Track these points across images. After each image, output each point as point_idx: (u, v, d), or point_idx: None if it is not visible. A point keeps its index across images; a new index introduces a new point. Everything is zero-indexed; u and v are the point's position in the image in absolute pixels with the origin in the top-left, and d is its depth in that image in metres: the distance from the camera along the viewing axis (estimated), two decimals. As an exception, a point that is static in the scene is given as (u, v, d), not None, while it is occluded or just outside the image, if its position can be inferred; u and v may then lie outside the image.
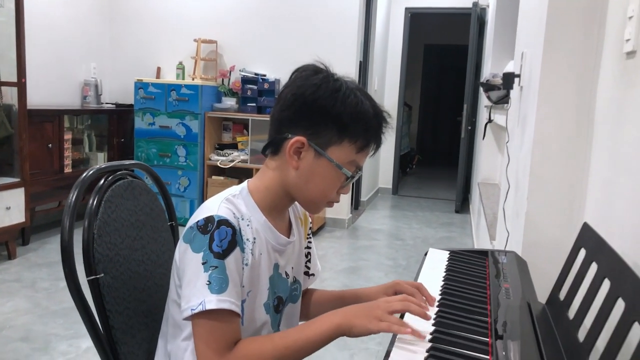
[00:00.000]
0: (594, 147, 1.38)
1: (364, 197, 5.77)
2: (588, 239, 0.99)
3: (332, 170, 0.96)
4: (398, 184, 6.85)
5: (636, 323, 0.65)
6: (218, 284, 0.87)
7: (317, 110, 0.94)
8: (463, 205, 6.00)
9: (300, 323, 1.15)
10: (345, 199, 4.76)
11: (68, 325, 2.58)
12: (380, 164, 6.66)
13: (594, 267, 0.90)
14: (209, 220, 0.90)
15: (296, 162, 0.96)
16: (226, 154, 4.52)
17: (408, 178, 8.18)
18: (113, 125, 4.59)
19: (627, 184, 1.08)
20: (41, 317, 2.67)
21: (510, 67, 2.75)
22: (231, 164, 4.46)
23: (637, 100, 1.08)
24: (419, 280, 1.17)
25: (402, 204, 6.22)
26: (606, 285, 0.81)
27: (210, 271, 0.87)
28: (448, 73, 10.10)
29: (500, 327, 0.92)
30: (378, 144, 1.00)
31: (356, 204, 5.58)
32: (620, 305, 0.72)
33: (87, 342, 2.39)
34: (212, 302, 0.86)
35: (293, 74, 0.99)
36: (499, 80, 3.08)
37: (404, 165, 7.95)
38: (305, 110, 0.95)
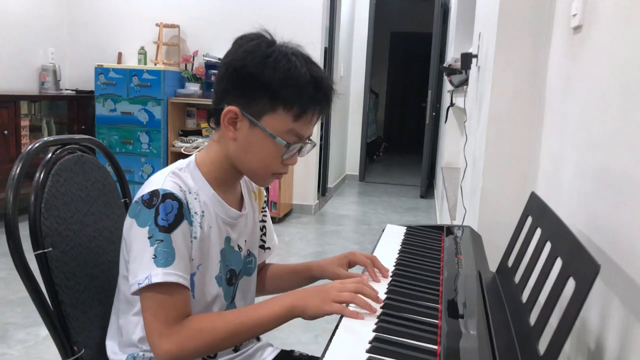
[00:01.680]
0: (545, 122, 1.41)
1: (330, 184, 5.79)
2: (534, 206, 1.02)
3: (268, 139, 0.93)
4: (365, 171, 6.90)
5: (571, 278, 0.67)
6: (164, 258, 0.86)
7: (246, 78, 0.91)
8: (428, 190, 6.08)
9: (256, 297, 1.15)
10: (312, 185, 4.76)
11: (26, 314, 2.51)
12: (348, 151, 6.69)
13: (538, 233, 0.92)
14: (153, 194, 0.89)
15: (233, 133, 0.94)
16: (190, 141, 4.47)
17: (375, 165, 8.24)
18: (73, 112, 4.48)
19: (572, 156, 1.11)
20: (-2, 306, 2.60)
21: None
22: (195, 151, 4.39)
23: (581, 75, 1.11)
24: (374, 254, 1.18)
25: (368, 190, 6.27)
26: (548, 247, 0.83)
27: (155, 245, 0.86)
28: (414, 60, 10.15)
29: (451, 295, 0.95)
30: (320, 110, 0.95)
31: (323, 191, 5.60)
32: (558, 264, 0.74)
33: (45, 330, 2.33)
34: (158, 275, 0.85)
35: (234, 43, 0.98)
36: (460, 64, 3.12)
37: (371, 153, 8.00)
38: (236, 79, 0.92)
